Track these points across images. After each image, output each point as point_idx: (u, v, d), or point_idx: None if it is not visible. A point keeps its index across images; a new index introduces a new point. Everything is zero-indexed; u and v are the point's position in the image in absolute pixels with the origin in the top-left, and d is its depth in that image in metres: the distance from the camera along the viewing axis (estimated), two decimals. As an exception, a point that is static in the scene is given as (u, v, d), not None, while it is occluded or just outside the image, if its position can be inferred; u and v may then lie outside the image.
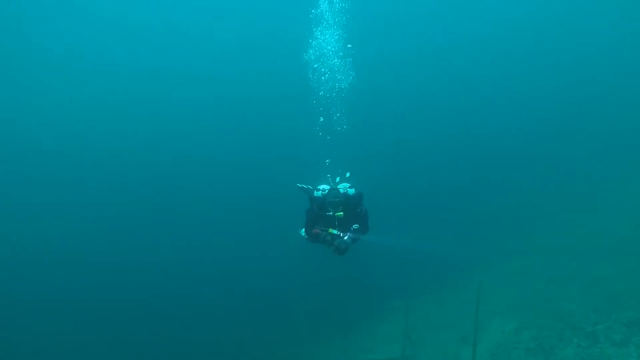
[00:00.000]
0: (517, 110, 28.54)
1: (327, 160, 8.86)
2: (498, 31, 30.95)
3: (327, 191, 7.12)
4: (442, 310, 12.92)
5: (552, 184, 20.02)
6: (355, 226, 6.92)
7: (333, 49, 11.46)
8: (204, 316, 14.76)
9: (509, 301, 11.50)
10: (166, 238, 20.97)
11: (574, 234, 14.59)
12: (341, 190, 7.12)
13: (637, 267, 10.52)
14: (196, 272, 18.19)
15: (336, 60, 11.41)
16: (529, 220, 17.44)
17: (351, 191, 7.36)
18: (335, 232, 6.81)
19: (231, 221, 22.13)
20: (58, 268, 18.66)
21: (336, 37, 11.64)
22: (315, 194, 7.47)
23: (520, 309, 10.83)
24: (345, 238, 6.70)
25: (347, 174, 7.79)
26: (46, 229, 21.34)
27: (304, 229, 7.29)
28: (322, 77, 11.35)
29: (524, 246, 15.11)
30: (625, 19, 29.16)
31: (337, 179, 7.72)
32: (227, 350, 13.04)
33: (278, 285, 15.71)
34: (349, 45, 11.54)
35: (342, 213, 6.81)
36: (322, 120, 11.05)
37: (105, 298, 16.35)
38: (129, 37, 28.55)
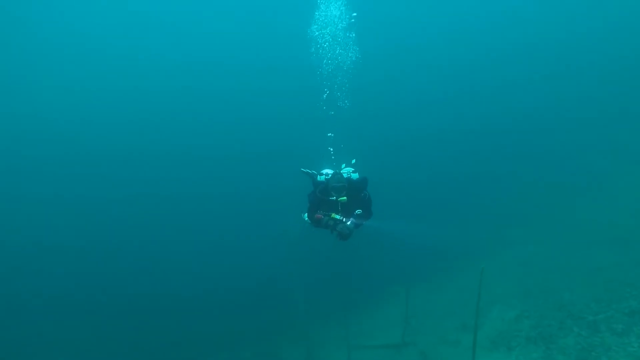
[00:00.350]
0: (520, 101, 28.44)
1: (330, 148, 8.76)
2: (517, 15, 30.60)
3: (330, 176, 7.08)
4: (442, 297, 12.96)
5: (554, 173, 19.95)
6: (358, 211, 6.85)
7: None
8: (204, 303, 14.80)
9: (510, 289, 11.52)
10: (165, 232, 20.91)
11: (575, 223, 14.59)
12: (344, 175, 7.06)
13: (638, 257, 10.52)
14: (195, 260, 18.24)
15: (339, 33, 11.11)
16: (531, 209, 17.41)
17: (355, 176, 7.30)
18: (337, 217, 6.76)
19: (231, 211, 22.12)
20: (56, 266, 18.56)
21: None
22: (319, 178, 7.40)
23: (521, 298, 10.86)
24: (348, 223, 6.66)
25: (353, 160, 7.72)
26: (43, 226, 21.18)
27: (306, 214, 7.24)
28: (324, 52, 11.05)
29: (525, 235, 15.11)
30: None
31: (343, 165, 7.65)
32: (227, 337, 13.08)
33: (278, 272, 15.75)
34: (354, 14, 11.25)
35: (345, 198, 6.76)
36: (327, 93, 10.81)
37: (113, 294, 16.30)
38: (125, 30, 28.29)
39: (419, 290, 13.24)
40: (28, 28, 26.06)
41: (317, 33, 11.30)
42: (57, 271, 18.09)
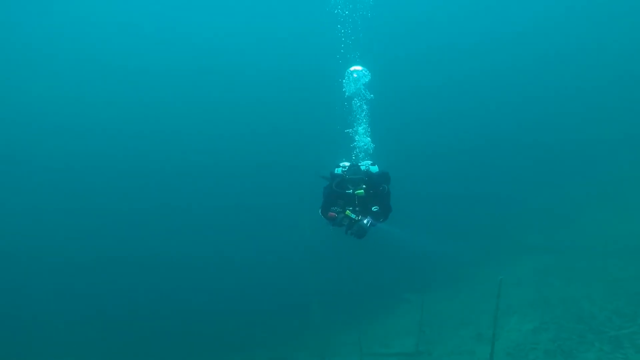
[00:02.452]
0: (545, 107, 28.07)
1: (347, 130, 8.43)
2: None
3: (347, 168, 6.74)
4: (458, 306, 12.73)
5: (576, 182, 19.63)
6: (375, 208, 6.52)
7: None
8: (220, 310, 14.74)
9: (528, 299, 11.25)
10: (183, 236, 20.96)
11: (596, 233, 14.29)
12: (362, 168, 6.74)
13: (662, 269, 10.21)
14: (212, 267, 18.21)
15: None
16: (550, 217, 17.12)
17: (374, 169, 6.94)
18: (353, 216, 6.42)
19: (248, 216, 22.11)
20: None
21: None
22: (336, 170, 7.00)
23: (539, 308, 10.59)
24: (365, 221, 6.36)
25: (369, 162, 7.38)
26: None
27: (320, 209, 6.86)
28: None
29: (545, 244, 14.85)
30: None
31: (361, 159, 7.32)
32: (243, 343, 13.04)
33: (294, 278, 15.66)
34: None
35: (362, 191, 6.41)
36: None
37: (126, 298, 16.36)
38: (127, 37, 28.47)
39: (434, 298, 13.06)
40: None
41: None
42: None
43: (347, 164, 6.99)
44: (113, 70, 27.69)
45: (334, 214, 6.51)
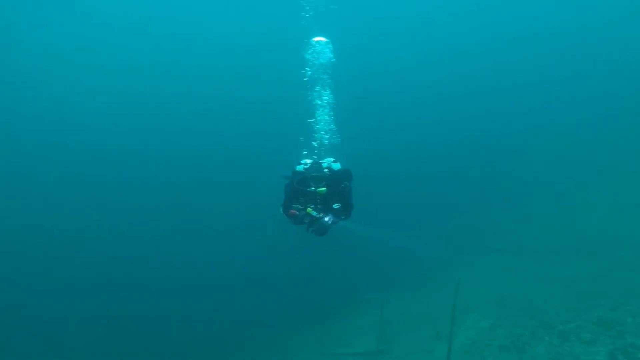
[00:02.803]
0: (500, 110, 28.82)
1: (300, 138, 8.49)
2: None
3: (309, 165, 6.73)
4: (418, 305, 12.93)
5: (532, 185, 20.27)
6: (336, 205, 6.55)
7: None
8: (177, 311, 14.57)
9: (485, 298, 11.55)
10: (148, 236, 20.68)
11: (550, 234, 14.80)
12: (324, 165, 6.75)
13: (609, 267, 10.69)
14: (172, 270, 17.97)
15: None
16: (508, 219, 17.62)
17: (336, 166, 6.94)
18: (314, 213, 6.41)
19: (205, 215, 21.93)
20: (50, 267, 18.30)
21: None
22: (297, 168, 6.97)
23: (496, 307, 10.90)
24: (326, 219, 6.36)
25: (332, 159, 7.40)
26: (39, 228, 21.04)
27: (282, 207, 6.84)
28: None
29: (502, 244, 15.26)
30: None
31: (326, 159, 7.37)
32: (203, 345, 12.90)
33: (254, 278, 15.60)
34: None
35: (325, 189, 6.42)
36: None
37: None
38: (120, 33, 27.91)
39: (394, 298, 13.23)
40: (23, 27, 25.72)
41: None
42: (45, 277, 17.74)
43: (309, 161, 7.01)
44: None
45: (295, 211, 6.46)
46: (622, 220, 13.53)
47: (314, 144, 8.54)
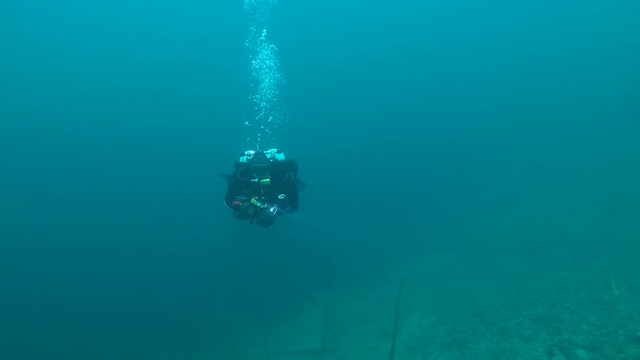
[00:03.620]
0: (440, 112, 29.48)
1: (246, 122, 8.31)
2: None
3: (252, 156, 6.57)
4: (363, 303, 12.97)
5: (472, 184, 20.79)
6: (281, 196, 6.39)
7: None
8: (117, 309, 14.00)
9: (429, 296, 11.71)
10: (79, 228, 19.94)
11: (491, 233, 15.20)
12: (268, 156, 6.59)
13: (547, 265, 11.05)
14: (113, 263, 17.32)
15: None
16: (449, 218, 18.00)
17: (280, 157, 6.83)
18: (258, 204, 6.23)
19: (144, 212, 21.36)
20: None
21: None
22: (240, 159, 6.83)
23: (438, 304, 11.06)
24: (271, 209, 6.21)
25: (275, 150, 7.20)
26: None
27: (225, 199, 6.60)
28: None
29: (444, 243, 15.55)
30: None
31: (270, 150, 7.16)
32: (145, 345, 12.39)
33: (196, 276, 15.19)
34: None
35: (268, 180, 6.27)
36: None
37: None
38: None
39: (339, 297, 13.22)
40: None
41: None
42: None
43: (252, 152, 6.84)
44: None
45: (238, 202, 6.24)
46: (559, 219, 14.06)
47: (258, 135, 8.34)
